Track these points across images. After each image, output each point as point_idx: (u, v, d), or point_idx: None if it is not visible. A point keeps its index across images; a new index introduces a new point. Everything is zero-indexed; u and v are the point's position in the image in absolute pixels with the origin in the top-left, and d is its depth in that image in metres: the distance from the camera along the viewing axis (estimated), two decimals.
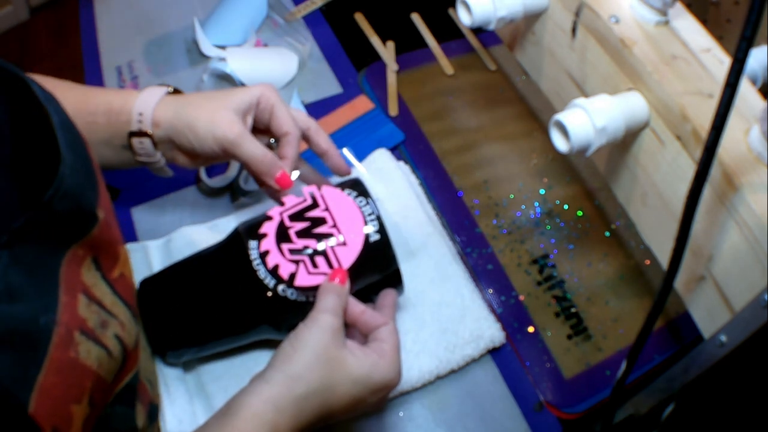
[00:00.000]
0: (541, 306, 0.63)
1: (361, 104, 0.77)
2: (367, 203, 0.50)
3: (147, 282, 0.52)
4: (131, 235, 0.65)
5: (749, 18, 0.31)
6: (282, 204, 0.51)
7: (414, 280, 0.60)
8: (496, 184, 0.72)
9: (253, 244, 0.49)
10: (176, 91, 0.54)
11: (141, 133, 0.51)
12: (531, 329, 0.61)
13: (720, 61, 0.47)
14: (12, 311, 0.28)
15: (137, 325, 0.42)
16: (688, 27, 0.50)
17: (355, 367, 0.43)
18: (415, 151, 0.74)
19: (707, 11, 0.65)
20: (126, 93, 0.53)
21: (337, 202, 0.50)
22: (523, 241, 0.67)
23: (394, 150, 0.73)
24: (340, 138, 0.73)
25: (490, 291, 0.63)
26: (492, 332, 0.58)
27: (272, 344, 0.53)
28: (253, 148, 0.50)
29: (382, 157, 0.70)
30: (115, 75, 0.80)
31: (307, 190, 0.51)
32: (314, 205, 0.50)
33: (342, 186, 0.52)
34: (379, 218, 0.50)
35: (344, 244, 0.48)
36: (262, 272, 0.48)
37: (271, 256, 0.48)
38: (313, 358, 0.42)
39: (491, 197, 0.70)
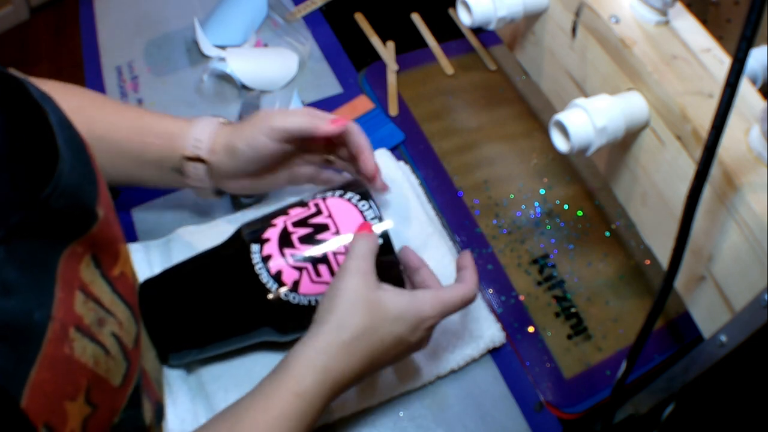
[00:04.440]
0: (541, 306, 0.63)
1: (361, 104, 0.77)
2: (370, 207, 0.50)
3: (148, 283, 0.52)
4: (131, 235, 0.65)
5: (749, 18, 0.31)
6: (287, 213, 0.51)
7: None
8: (496, 184, 0.72)
9: (255, 248, 0.49)
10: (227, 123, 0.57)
11: (196, 159, 0.54)
12: (531, 329, 0.61)
13: (720, 61, 0.47)
14: (6, 305, 0.28)
15: (137, 324, 0.42)
16: (688, 27, 0.50)
17: (390, 305, 0.45)
18: (415, 151, 0.74)
19: (707, 11, 0.65)
20: (183, 120, 0.56)
21: (339, 209, 0.50)
22: (523, 241, 0.67)
23: (394, 150, 0.73)
24: None
25: (490, 291, 0.63)
26: (492, 332, 0.58)
27: (274, 345, 0.53)
28: (298, 115, 0.53)
29: (382, 157, 0.69)
30: (115, 75, 0.80)
31: (313, 202, 0.51)
32: (317, 212, 0.50)
33: (344, 188, 0.52)
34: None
35: (346, 251, 0.48)
36: (264, 276, 0.48)
37: (273, 260, 0.48)
38: (350, 304, 0.44)
39: (491, 197, 0.70)
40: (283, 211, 0.52)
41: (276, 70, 0.79)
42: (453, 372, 0.57)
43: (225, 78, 0.78)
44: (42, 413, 0.29)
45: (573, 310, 0.63)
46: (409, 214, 0.65)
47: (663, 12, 0.49)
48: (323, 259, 0.48)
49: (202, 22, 0.82)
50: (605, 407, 0.50)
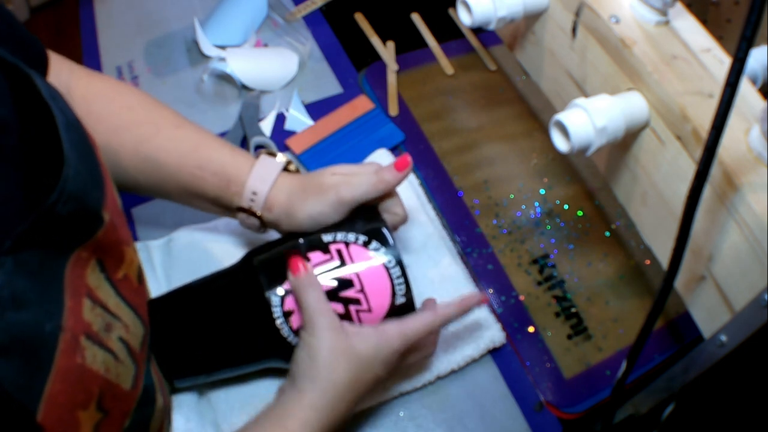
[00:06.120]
0: (541, 306, 0.63)
1: (361, 104, 0.77)
2: (394, 260, 0.48)
3: (154, 305, 0.49)
4: (131, 235, 0.65)
5: (749, 18, 0.31)
6: (307, 258, 0.48)
7: (414, 280, 0.60)
8: (496, 184, 0.72)
9: (275, 300, 0.47)
10: (287, 166, 0.53)
11: (251, 212, 0.51)
12: (531, 329, 0.61)
13: (720, 61, 0.47)
14: (18, 319, 0.28)
15: (144, 326, 0.42)
16: (688, 27, 0.50)
17: (364, 350, 0.45)
18: (415, 151, 0.74)
19: (707, 11, 0.65)
20: (241, 159, 0.52)
21: (364, 262, 0.48)
22: (523, 241, 0.67)
23: (394, 150, 0.73)
24: (340, 138, 0.73)
25: (490, 291, 0.63)
26: (492, 332, 0.58)
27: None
28: (365, 181, 0.49)
29: (382, 157, 0.69)
30: (115, 75, 0.80)
31: (334, 247, 0.49)
32: (341, 264, 0.48)
33: (369, 235, 0.49)
34: (406, 282, 0.48)
35: (369, 310, 0.47)
36: (285, 331, 0.47)
37: (295, 316, 0.47)
38: (329, 360, 0.44)
39: (491, 197, 0.70)
40: (302, 254, 0.48)
41: (276, 70, 0.79)
42: (453, 372, 0.57)
43: (225, 78, 0.78)
44: (57, 425, 0.29)
45: (573, 310, 0.63)
46: (408, 214, 0.65)
47: (663, 12, 0.49)
48: (345, 316, 0.47)
49: (202, 22, 0.82)
50: (605, 407, 0.50)
